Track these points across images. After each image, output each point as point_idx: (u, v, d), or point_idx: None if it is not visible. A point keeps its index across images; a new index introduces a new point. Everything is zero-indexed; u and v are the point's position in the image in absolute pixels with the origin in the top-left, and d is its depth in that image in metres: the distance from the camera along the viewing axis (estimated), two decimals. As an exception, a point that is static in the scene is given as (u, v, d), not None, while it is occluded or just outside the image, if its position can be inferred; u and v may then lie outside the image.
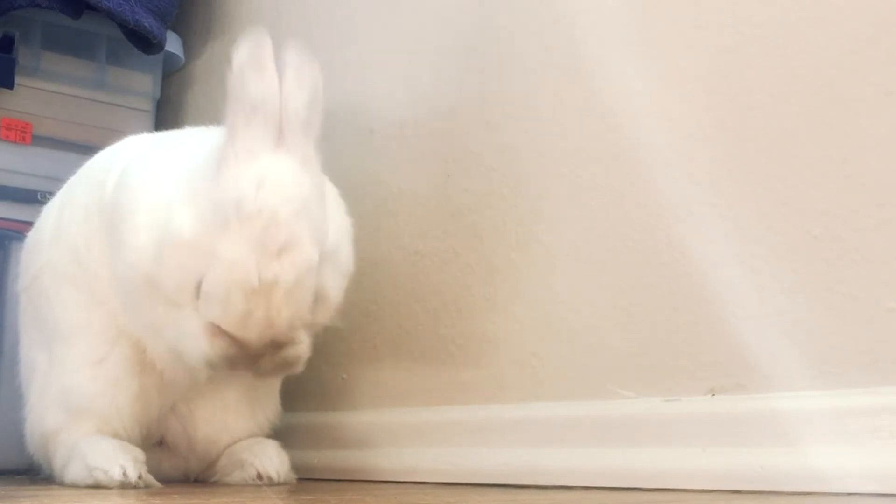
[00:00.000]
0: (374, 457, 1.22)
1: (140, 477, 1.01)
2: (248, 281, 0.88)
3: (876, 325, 0.83)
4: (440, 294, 1.20)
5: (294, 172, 0.91)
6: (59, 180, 1.22)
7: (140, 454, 1.05)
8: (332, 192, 1.08)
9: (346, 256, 1.04)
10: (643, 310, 0.99)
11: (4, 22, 1.45)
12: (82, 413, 1.08)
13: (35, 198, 1.39)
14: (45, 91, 1.51)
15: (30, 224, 1.24)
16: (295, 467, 1.16)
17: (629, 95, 1.03)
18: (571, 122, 1.08)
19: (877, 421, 0.81)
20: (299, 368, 0.98)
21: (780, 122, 0.91)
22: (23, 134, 1.48)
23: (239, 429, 1.18)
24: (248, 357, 0.93)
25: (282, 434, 1.21)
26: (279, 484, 1.12)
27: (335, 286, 1.01)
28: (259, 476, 1.12)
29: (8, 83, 1.45)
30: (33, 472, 1.23)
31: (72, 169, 1.21)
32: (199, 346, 0.92)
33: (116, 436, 1.08)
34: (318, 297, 0.96)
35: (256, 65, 0.92)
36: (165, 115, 1.71)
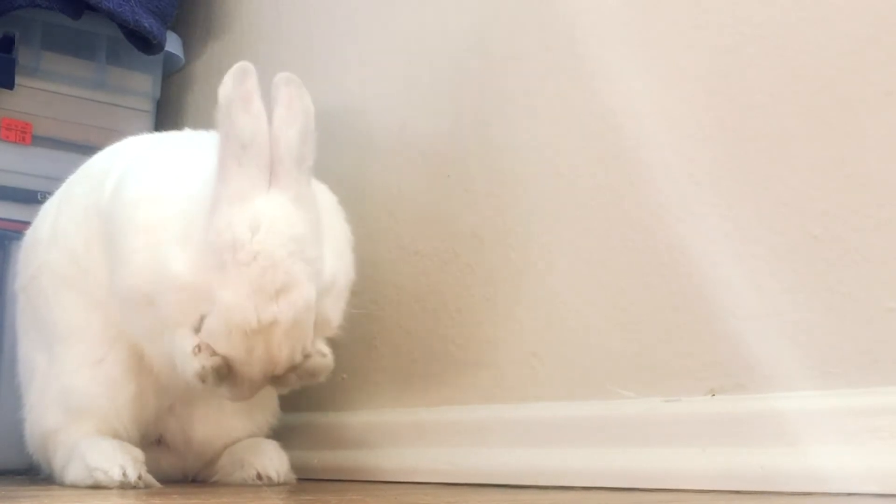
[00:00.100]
0: (374, 457, 1.22)
1: (140, 477, 1.01)
2: (247, 323, 0.90)
3: (876, 325, 0.83)
4: (440, 294, 1.20)
5: (288, 212, 0.92)
6: (59, 180, 1.22)
7: (139, 454, 1.05)
8: (330, 200, 1.08)
9: (346, 267, 1.05)
10: (643, 310, 0.99)
11: (4, 22, 1.45)
12: (82, 413, 1.08)
13: (35, 198, 1.39)
14: (45, 91, 1.51)
15: (29, 224, 1.24)
16: (295, 467, 1.17)
17: (629, 95, 1.03)
18: (571, 122, 1.08)
19: (877, 421, 0.81)
20: (323, 378, 0.99)
21: (780, 122, 0.91)
22: (23, 134, 1.48)
23: (237, 429, 1.18)
24: (252, 385, 0.96)
25: (281, 434, 1.21)
26: (279, 484, 1.12)
27: (335, 308, 1.03)
28: (259, 476, 1.12)
29: (8, 83, 1.45)
30: (33, 473, 1.23)
31: (71, 169, 1.21)
32: (190, 363, 0.93)
33: (116, 436, 1.08)
34: (319, 323, 0.97)
35: (243, 101, 0.92)
36: (165, 115, 1.71)
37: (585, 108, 1.07)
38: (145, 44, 1.53)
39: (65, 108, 1.53)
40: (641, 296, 1.00)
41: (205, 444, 1.17)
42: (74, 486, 1.04)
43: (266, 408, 1.21)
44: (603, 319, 1.03)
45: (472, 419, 1.13)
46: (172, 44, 1.63)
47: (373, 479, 1.20)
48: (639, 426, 0.97)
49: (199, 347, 0.93)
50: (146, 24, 1.49)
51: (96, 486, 1.01)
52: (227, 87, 0.92)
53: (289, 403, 1.24)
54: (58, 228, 1.14)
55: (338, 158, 1.34)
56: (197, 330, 0.94)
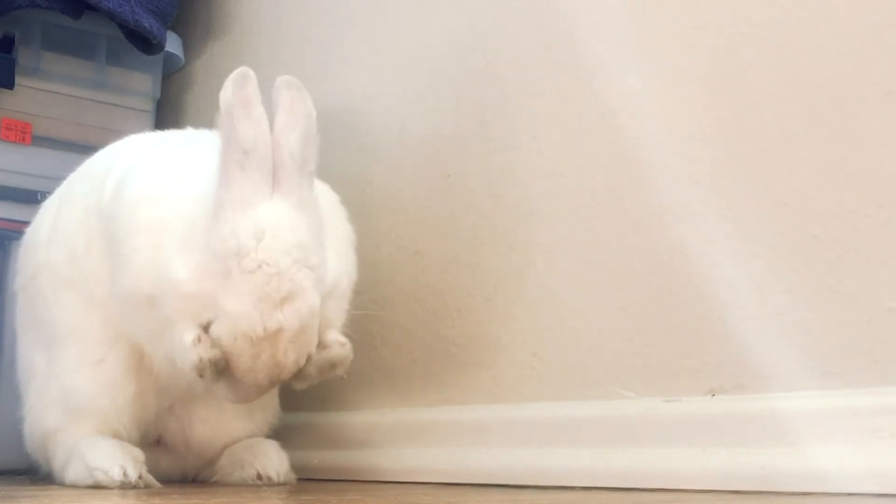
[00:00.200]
0: (375, 457, 1.22)
1: (140, 477, 1.01)
2: (253, 331, 0.91)
3: (876, 325, 0.83)
4: (440, 294, 1.20)
5: (291, 219, 0.92)
6: (59, 180, 1.22)
7: (140, 454, 1.05)
8: (332, 200, 1.09)
9: (349, 269, 1.05)
10: (643, 310, 0.99)
11: (4, 22, 1.45)
12: (81, 413, 1.08)
13: (35, 198, 1.39)
14: (45, 91, 1.51)
15: (29, 224, 1.23)
16: (295, 467, 1.16)
17: (629, 95, 1.03)
18: (571, 122, 1.08)
19: (877, 421, 0.81)
20: (342, 371, 1.00)
21: (780, 122, 0.91)
22: (23, 134, 1.48)
23: (237, 429, 1.18)
24: (258, 389, 0.97)
25: (282, 434, 1.21)
26: (279, 484, 1.12)
27: (337, 310, 1.03)
28: (259, 476, 1.12)
29: (8, 83, 1.45)
30: (32, 472, 1.23)
31: (71, 169, 1.21)
32: (189, 355, 0.93)
33: (115, 436, 1.08)
34: (323, 326, 0.98)
35: (244, 107, 0.92)
36: (165, 115, 1.71)
37: (585, 108, 1.07)
38: (145, 44, 1.53)
39: (65, 108, 1.53)
40: (641, 296, 1.00)
41: (205, 444, 1.17)
42: (74, 486, 1.04)
43: (266, 408, 1.21)
44: (603, 319, 1.03)
45: (472, 419, 1.13)
46: (172, 44, 1.63)
47: (373, 479, 1.20)
48: (639, 426, 0.97)
49: (198, 338, 0.93)
50: (146, 24, 1.49)
51: (96, 486, 1.01)
52: (228, 92, 0.92)
53: (289, 403, 1.24)
54: (58, 227, 1.14)
55: (338, 159, 1.34)
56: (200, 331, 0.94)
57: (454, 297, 1.18)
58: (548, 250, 1.09)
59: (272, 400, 1.21)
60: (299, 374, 0.97)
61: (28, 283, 1.17)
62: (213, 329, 0.93)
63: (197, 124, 1.20)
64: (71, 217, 1.13)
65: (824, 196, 0.87)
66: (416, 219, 1.25)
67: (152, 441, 1.15)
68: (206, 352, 0.92)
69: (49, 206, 1.20)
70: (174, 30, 1.65)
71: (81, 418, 1.08)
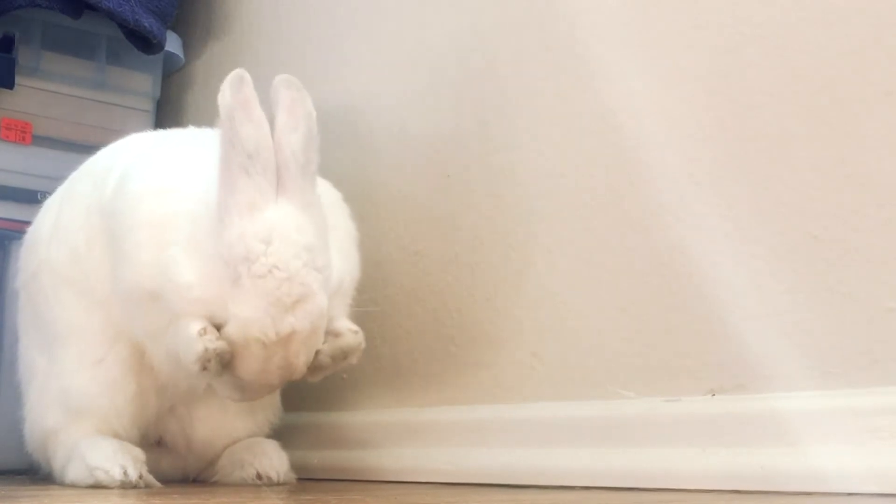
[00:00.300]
0: (375, 457, 1.22)
1: (140, 477, 1.01)
2: (266, 336, 0.91)
3: (876, 325, 0.83)
4: (440, 294, 1.20)
5: (298, 222, 0.92)
6: (59, 180, 1.22)
7: (140, 454, 1.05)
8: (335, 198, 1.09)
9: (352, 268, 1.05)
10: (643, 310, 0.99)
11: (4, 22, 1.45)
12: (82, 413, 1.08)
13: (35, 198, 1.39)
14: (45, 91, 1.51)
15: (30, 224, 1.23)
16: (295, 467, 1.16)
17: (629, 95, 1.03)
18: (571, 122, 1.08)
19: (877, 421, 0.81)
20: (355, 360, 1.00)
21: (780, 122, 0.91)
22: (23, 134, 1.48)
23: (238, 429, 1.18)
24: (270, 389, 0.98)
25: (282, 434, 1.21)
26: (279, 484, 1.12)
27: (340, 307, 1.03)
28: (259, 476, 1.12)
29: (8, 83, 1.45)
30: (33, 472, 1.23)
31: (71, 169, 1.21)
32: (193, 346, 0.93)
33: (116, 436, 1.08)
34: (330, 318, 0.98)
35: (244, 109, 0.92)
36: (165, 115, 1.71)
37: (585, 108, 1.07)
38: (145, 43, 1.53)
39: (65, 107, 1.53)
40: (641, 296, 1.00)
41: (206, 444, 1.17)
42: (75, 486, 1.04)
43: (268, 407, 1.21)
44: (603, 319, 1.03)
45: (472, 419, 1.13)
46: (172, 43, 1.63)
47: (373, 478, 1.20)
48: (639, 426, 0.97)
49: (204, 329, 0.93)
50: (146, 24, 1.49)
51: (97, 486, 1.01)
52: (227, 95, 0.92)
53: (289, 403, 1.24)
54: (59, 226, 1.14)
55: (338, 159, 1.34)
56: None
57: (454, 297, 1.19)
58: (548, 250, 1.09)
59: (274, 399, 1.21)
60: (313, 366, 0.97)
61: (29, 281, 1.17)
62: (224, 333, 0.93)
63: (197, 124, 1.20)
64: (72, 215, 1.13)
65: (824, 196, 0.87)
66: (416, 219, 1.25)
67: (153, 441, 1.16)
68: (211, 343, 0.92)
69: (51, 205, 1.20)
70: (174, 29, 1.65)
71: (82, 418, 1.08)
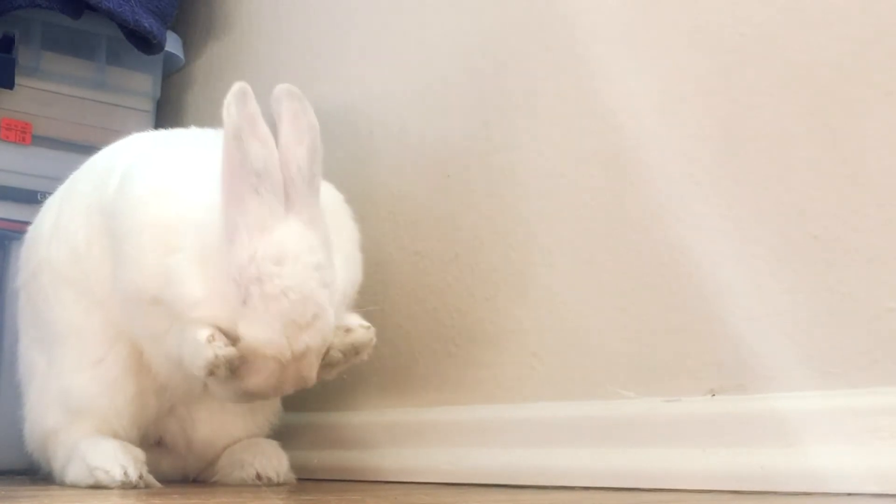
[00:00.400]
0: (375, 457, 1.22)
1: (141, 477, 1.01)
2: (282, 356, 0.92)
3: (876, 325, 0.83)
4: (440, 294, 1.20)
5: (307, 240, 0.92)
6: (59, 181, 1.22)
7: (140, 454, 1.05)
8: (337, 199, 1.08)
9: (354, 273, 1.06)
10: (643, 310, 0.99)
11: (4, 22, 1.45)
12: (81, 413, 1.08)
13: (35, 198, 1.39)
14: (45, 91, 1.51)
15: (29, 224, 1.23)
16: (295, 467, 1.16)
17: (629, 95, 1.03)
18: (571, 122, 1.08)
19: (877, 421, 0.81)
20: (366, 356, 1.00)
21: (780, 122, 0.91)
22: (23, 134, 1.48)
23: (238, 429, 1.18)
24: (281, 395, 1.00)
25: (282, 434, 1.21)
26: (279, 484, 1.12)
27: (341, 309, 1.03)
28: (258, 476, 1.12)
29: (8, 83, 1.45)
30: (33, 472, 1.23)
31: (71, 169, 1.21)
32: (202, 352, 0.93)
33: (115, 436, 1.08)
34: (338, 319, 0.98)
35: (251, 126, 0.91)
36: (165, 115, 1.71)
37: (585, 108, 1.07)
38: (145, 44, 1.53)
39: (65, 108, 1.52)
40: (641, 296, 1.00)
41: (206, 445, 1.17)
42: (75, 486, 1.04)
43: (267, 407, 1.21)
44: (603, 319, 1.03)
45: (472, 419, 1.13)
46: (172, 44, 1.63)
47: (373, 479, 1.20)
48: (639, 426, 0.97)
49: (212, 336, 0.93)
50: (146, 24, 1.49)
51: (97, 486, 1.02)
52: (232, 112, 0.91)
53: (289, 403, 1.24)
54: (59, 225, 1.14)
55: (338, 159, 1.34)
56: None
57: (454, 297, 1.19)
58: (548, 250, 1.09)
59: (274, 399, 1.21)
60: (325, 363, 0.97)
61: (29, 280, 1.16)
62: (238, 349, 0.93)
63: (197, 124, 1.20)
64: (72, 215, 1.13)
65: (824, 196, 0.87)
66: (416, 219, 1.25)
67: (153, 442, 1.15)
68: (220, 349, 0.92)
69: (51, 204, 1.20)
70: (174, 30, 1.65)
71: (82, 418, 1.08)
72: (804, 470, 0.84)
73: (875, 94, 0.85)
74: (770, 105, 0.91)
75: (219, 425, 1.16)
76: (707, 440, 0.91)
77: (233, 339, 0.93)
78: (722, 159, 0.94)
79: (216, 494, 0.93)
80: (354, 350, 0.99)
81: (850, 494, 0.81)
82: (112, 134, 1.32)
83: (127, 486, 1.00)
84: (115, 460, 1.02)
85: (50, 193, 1.23)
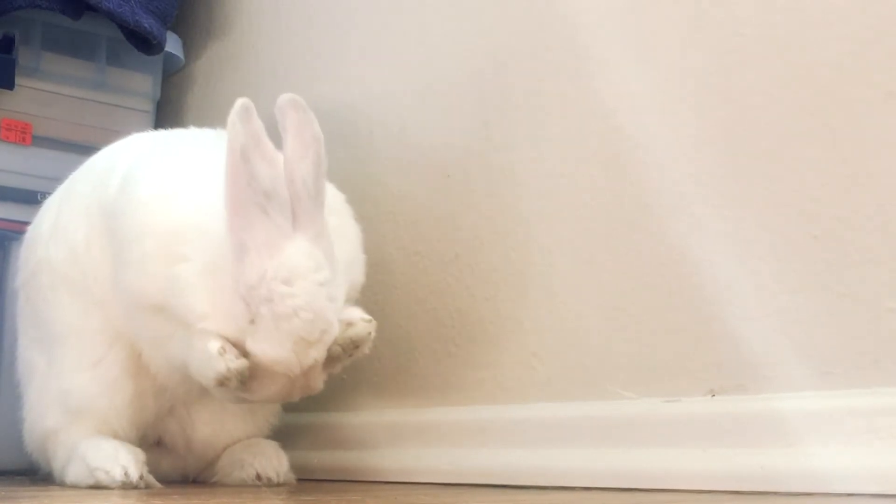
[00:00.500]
0: (374, 457, 1.22)
1: (141, 477, 1.01)
2: (291, 371, 0.93)
3: (876, 325, 0.83)
4: (440, 294, 1.20)
5: (314, 257, 0.92)
6: (59, 181, 1.22)
7: (141, 454, 1.05)
8: (339, 199, 1.08)
9: (356, 277, 1.06)
10: (643, 310, 0.99)
11: (4, 22, 1.45)
12: (81, 413, 1.08)
13: (35, 198, 1.39)
14: (45, 92, 1.51)
15: (29, 225, 1.23)
16: (294, 468, 1.16)
17: (629, 95, 1.03)
18: (571, 122, 1.08)
19: (877, 421, 0.80)
20: (367, 349, 1.00)
21: (780, 122, 0.91)
22: (23, 135, 1.48)
23: (238, 430, 1.18)
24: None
25: (281, 434, 1.21)
26: (279, 485, 1.12)
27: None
28: (258, 477, 1.12)
29: (8, 84, 1.45)
30: (33, 473, 1.23)
31: (71, 170, 1.21)
32: (214, 364, 0.93)
33: (115, 436, 1.08)
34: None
35: (257, 146, 0.91)
36: (165, 115, 1.71)
37: (585, 108, 1.07)
38: (145, 44, 1.53)
39: (65, 108, 1.52)
40: (641, 296, 0.99)
41: (206, 445, 1.17)
42: (75, 486, 1.04)
43: (267, 408, 1.21)
44: (603, 320, 1.03)
45: (472, 419, 1.13)
46: (172, 44, 1.63)
47: (373, 479, 1.20)
48: (639, 427, 0.97)
49: (223, 348, 0.93)
50: (146, 25, 1.49)
51: (97, 486, 1.02)
52: (238, 130, 0.90)
53: (289, 404, 1.24)
54: (58, 225, 1.13)
55: (338, 159, 1.34)
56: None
57: (454, 298, 1.18)
58: (548, 250, 1.09)
59: (268, 403, 1.21)
60: (329, 362, 0.97)
61: (28, 280, 1.16)
62: (248, 361, 0.94)
63: (197, 125, 1.20)
64: (72, 215, 1.12)
65: (824, 196, 0.87)
66: (416, 219, 1.25)
67: (152, 442, 1.15)
68: (232, 362, 0.93)
69: (50, 204, 1.20)
70: (174, 30, 1.65)
71: (81, 418, 1.08)
72: (804, 470, 0.84)
73: (875, 94, 0.85)
74: (770, 105, 0.91)
75: (218, 426, 1.16)
76: (707, 440, 0.91)
77: (241, 351, 0.94)
78: (722, 159, 0.94)
79: (216, 495, 0.93)
80: (353, 344, 0.99)
81: (850, 495, 0.81)
82: (112, 134, 1.32)
83: (127, 487, 1.00)
84: (116, 460, 1.02)
85: (50, 194, 1.23)
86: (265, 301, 0.91)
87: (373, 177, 1.31)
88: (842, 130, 0.87)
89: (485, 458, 1.09)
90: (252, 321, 0.92)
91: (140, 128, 1.49)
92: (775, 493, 0.85)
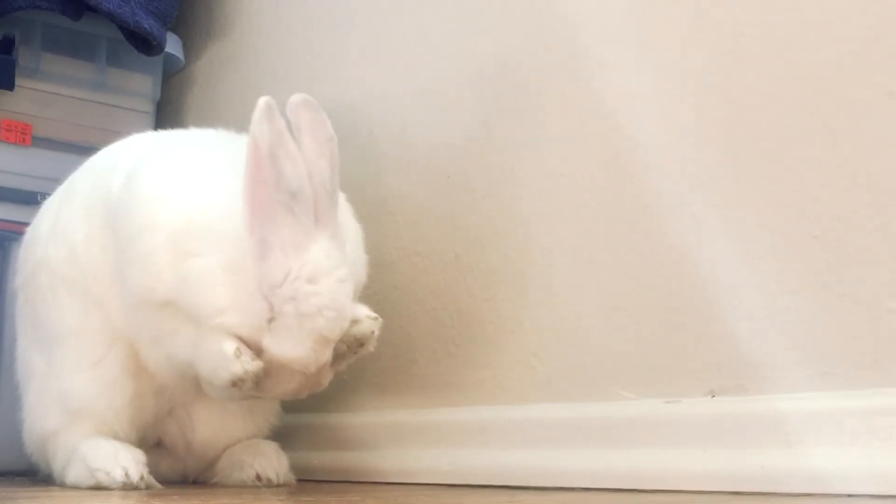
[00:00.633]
0: (374, 458, 1.22)
1: (142, 478, 1.01)
2: (307, 369, 0.94)
3: (876, 325, 0.83)
4: (440, 294, 1.20)
5: (335, 255, 0.93)
6: (59, 182, 1.22)
7: (141, 455, 1.05)
8: (340, 198, 1.08)
9: (360, 276, 1.06)
10: (643, 310, 0.99)
11: (5, 23, 1.45)
12: (81, 414, 1.08)
13: (35, 199, 1.39)
14: (45, 92, 1.51)
15: (29, 225, 1.23)
16: (294, 469, 1.16)
17: (629, 95, 1.02)
18: (571, 122, 1.08)
19: (877, 421, 0.80)
20: (372, 347, 1.00)
21: (780, 122, 0.90)
22: (23, 135, 1.48)
23: (238, 431, 1.18)
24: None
25: (281, 435, 1.21)
26: (278, 485, 1.12)
27: None
28: (258, 477, 1.12)
29: (8, 84, 1.45)
30: (32, 473, 1.23)
31: (71, 170, 1.21)
32: (230, 366, 0.93)
33: (115, 437, 1.08)
34: None
35: (282, 145, 0.91)
36: (165, 116, 1.71)
37: (585, 108, 1.06)
38: (145, 45, 1.53)
39: (65, 109, 1.53)
40: (641, 296, 0.99)
41: (206, 446, 1.17)
42: (75, 487, 1.04)
43: (267, 408, 1.21)
44: (603, 320, 1.03)
45: (472, 420, 1.13)
46: (172, 45, 1.63)
47: (373, 480, 1.20)
48: (639, 427, 0.97)
49: (239, 350, 0.93)
50: (146, 26, 1.49)
51: (98, 487, 1.01)
52: (264, 129, 0.90)
53: (289, 404, 1.24)
54: (58, 225, 1.13)
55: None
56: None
57: (454, 298, 1.18)
58: (548, 250, 1.09)
59: (272, 400, 1.21)
60: (335, 360, 0.97)
61: (28, 280, 1.16)
62: (263, 358, 0.94)
63: (197, 125, 1.20)
64: (71, 215, 1.12)
65: (824, 196, 0.87)
66: (416, 219, 1.25)
67: (152, 443, 1.15)
68: (248, 364, 0.93)
69: (50, 205, 1.20)
70: (174, 31, 1.65)
71: (81, 419, 1.08)
72: (804, 471, 0.84)
73: (875, 94, 0.85)
74: (770, 105, 0.91)
75: (218, 426, 1.16)
76: (707, 441, 0.91)
77: (255, 350, 0.94)
78: (722, 159, 0.94)
79: (216, 495, 0.93)
80: (359, 342, 0.99)
81: (850, 495, 0.81)
82: (112, 135, 1.32)
83: (128, 488, 1.00)
84: (116, 461, 1.02)
85: (50, 195, 1.23)
86: (289, 300, 0.91)
87: (373, 177, 1.31)
88: (842, 130, 0.87)
89: (485, 459, 1.09)
90: (271, 319, 0.92)
91: (140, 128, 1.48)
92: (775, 494, 0.85)
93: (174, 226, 0.97)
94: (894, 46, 0.84)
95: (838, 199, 0.86)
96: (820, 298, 0.86)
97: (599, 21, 1.06)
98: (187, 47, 1.71)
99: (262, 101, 0.91)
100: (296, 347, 0.92)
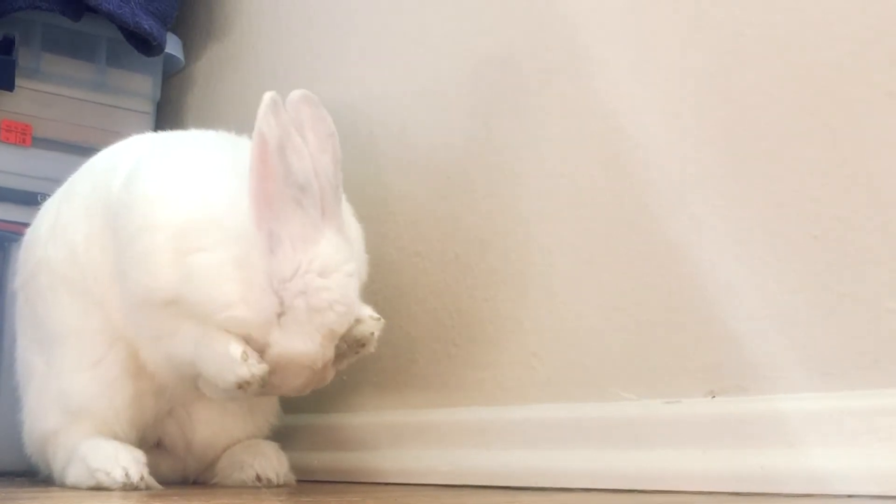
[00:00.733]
0: (374, 458, 1.22)
1: (142, 478, 1.01)
2: (315, 364, 0.94)
3: (876, 325, 0.83)
4: (440, 294, 1.20)
5: (343, 249, 0.94)
6: (59, 182, 1.22)
7: (141, 455, 1.05)
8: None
9: (361, 267, 1.06)
10: (643, 311, 0.99)
11: (5, 24, 1.45)
12: (81, 414, 1.08)
13: (35, 200, 1.39)
14: (45, 93, 1.51)
15: (29, 226, 1.23)
16: (294, 469, 1.16)
17: (629, 95, 1.02)
18: (571, 122, 1.08)
19: (877, 422, 0.80)
20: (373, 348, 1.01)
21: (780, 122, 0.90)
22: (23, 136, 1.48)
23: (237, 431, 1.18)
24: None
25: (281, 435, 1.21)
26: (278, 486, 1.12)
27: None
28: (258, 478, 1.12)
29: (8, 85, 1.45)
30: (32, 474, 1.23)
31: (71, 171, 1.21)
32: (236, 369, 0.93)
33: (115, 437, 1.08)
34: None
35: (290, 139, 0.91)
36: (165, 117, 1.71)
37: (585, 108, 1.06)
38: (145, 45, 1.53)
39: (65, 109, 1.53)
40: (641, 296, 0.99)
41: (206, 446, 1.17)
42: (75, 488, 1.04)
43: (267, 409, 1.21)
44: (603, 320, 1.03)
45: (472, 420, 1.13)
46: (172, 45, 1.63)
47: (373, 480, 1.20)
48: (639, 427, 0.97)
49: (246, 353, 0.93)
50: (146, 26, 1.49)
51: (98, 488, 1.01)
52: (272, 124, 0.91)
53: (289, 404, 1.24)
54: (58, 226, 1.13)
55: (338, 159, 1.33)
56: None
57: (454, 298, 1.18)
58: (548, 250, 1.09)
59: (273, 400, 1.21)
60: (337, 359, 0.98)
61: (28, 281, 1.16)
62: (268, 356, 0.94)
63: (197, 126, 1.20)
64: (71, 215, 1.12)
65: (824, 196, 0.87)
66: (416, 219, 1.25)
67: (152, 444, 1.15)
68: (255, 367, 0.93)
69: (50, 205, 1.20)
70: (174, 31, 1.65)
71: (81, 419, 1.08)
72: (805, 471, 0.84)
73: (875, 94, 0.85)
74: (770, 105, 0.91)
75: (218, 427, 1.16)
76: (707, 441, 0.91)
77: (260, 347, 0.94)
78: (722, 159, 0.94)
79: (216, 496, 0.93)
80: (360, 343, 0.99)
81: (850, 496, 0.80)
82: (112, 136, 1.32)
83: (128, 488, 1.00)
84: (117, 462, 1.02)
85: (50, 195, 1.23)
86: (299, 294, 0.92)
87: (373, 177, 1.31)
88: (842, 130, 0.87)
89: (485, 460, 1.09)
90: (281, 314, 0.92)
91: (140, 129, 1.49)
92: (775, 494, 0.85)
93: (175, 225, 0.97)
94: (894, 46, 0.84)
95: (838, 199, 0.86)
96: (820, 298, 0.86)
97: (599, 21, 1.06)
98: (187, 47, 1.71)
99: (268, 95, 0.92)
100: (305, 342, 0.93)
